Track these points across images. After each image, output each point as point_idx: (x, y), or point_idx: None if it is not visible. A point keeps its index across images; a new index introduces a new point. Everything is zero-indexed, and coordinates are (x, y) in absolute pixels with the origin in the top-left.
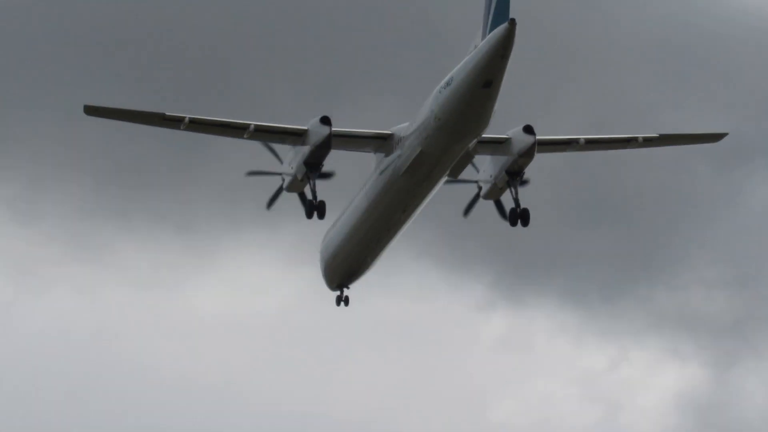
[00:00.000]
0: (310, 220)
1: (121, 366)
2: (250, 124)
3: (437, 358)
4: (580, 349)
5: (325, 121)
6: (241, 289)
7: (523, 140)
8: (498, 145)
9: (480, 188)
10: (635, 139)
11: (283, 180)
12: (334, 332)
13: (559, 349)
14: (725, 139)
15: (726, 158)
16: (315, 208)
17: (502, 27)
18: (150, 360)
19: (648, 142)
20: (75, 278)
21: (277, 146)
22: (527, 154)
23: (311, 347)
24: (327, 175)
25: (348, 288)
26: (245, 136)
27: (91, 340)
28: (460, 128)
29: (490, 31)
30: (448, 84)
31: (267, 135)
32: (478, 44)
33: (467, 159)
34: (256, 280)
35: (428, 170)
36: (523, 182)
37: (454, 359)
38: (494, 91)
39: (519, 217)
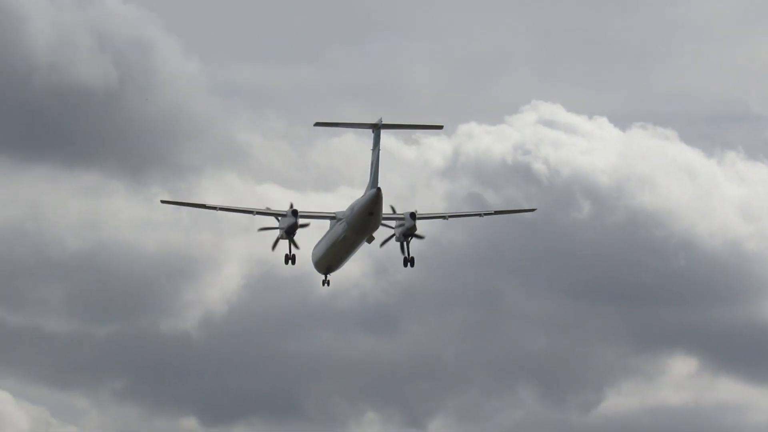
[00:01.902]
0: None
1: None
2: (253, 209)
3: None
4: None
5: (294, 213)
6: None
7: (410, 220)
8: (398, 219)
9: (394, 235)
10: (479, 213)
11: (280, 233)
12: None
13: None
14: None
15: None
16: (290, 258)
17: (374, 191)
18: None
19: (487, 215)
20: None
21: None
22: (412, 228)
23: None
24: (304, 225)
25: (329, 275)
26: (254, 213)
27: None
28: (361, 230)
29: (371, 186)
30: (352, 209)
31: (266, 214)
32: (367, 189)
33: (371, 238)
34: None
35: (352, 243)
36: (420, 237)
37: None
38: (377, 216)
39: (409, 261)
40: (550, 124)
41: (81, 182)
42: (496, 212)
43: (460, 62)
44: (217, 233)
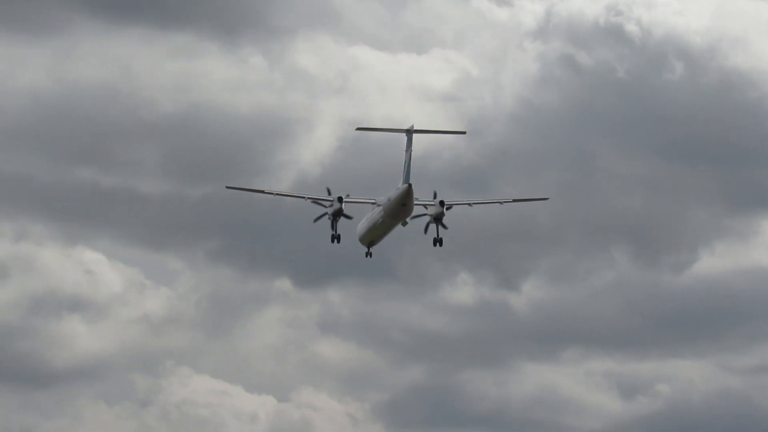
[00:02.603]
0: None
1: None
2: (305, 196)
3: None
4: None
5: (340, 199)
6: None
7: (438, 206)
8: (429, 204)
9: (430, 218)
10: (500, 201)
11: (327, 212)
12: None
13: None
14: None
15: None
16: (335, 238)
17: (406, 186)
18: None
19: (506, 203)
20: None
21: None
22: (441, 214)
23: None
24: (348, 217)
25: (371, 248)
26: (305, 198)
27: None
28: (396, 216)
29: (404, 182)
30: (389, 199)
31: (316, 199)
32: (400, 184)
33: (405, 222)
34: None
35: (389, 226)
36: (444, 227)
37: None
38: (409, 206)
39: (438, 242)
40: None
41: (174, 43)
42: (514, 200)
43: None
44: (310, 94)
